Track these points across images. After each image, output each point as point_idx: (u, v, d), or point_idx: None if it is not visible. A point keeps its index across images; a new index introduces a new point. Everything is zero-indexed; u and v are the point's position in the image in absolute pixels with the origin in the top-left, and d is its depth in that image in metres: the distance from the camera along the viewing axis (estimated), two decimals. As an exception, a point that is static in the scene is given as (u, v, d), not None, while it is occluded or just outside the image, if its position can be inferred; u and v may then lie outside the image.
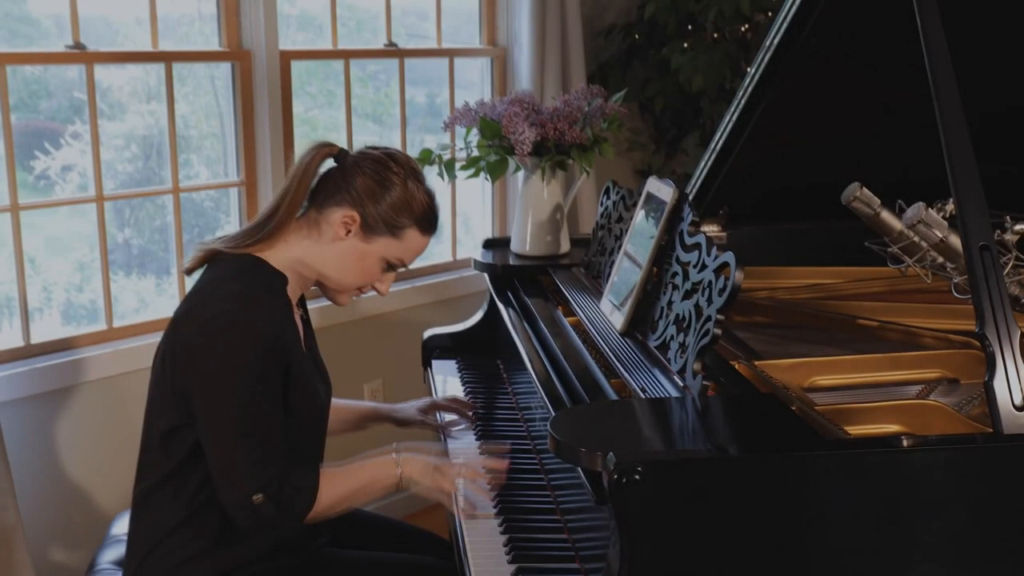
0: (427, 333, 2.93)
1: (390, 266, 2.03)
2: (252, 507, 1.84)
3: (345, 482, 1.97)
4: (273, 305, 1.91)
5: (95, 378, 2.97)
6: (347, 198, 1.96)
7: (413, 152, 3.19)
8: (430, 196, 2.03)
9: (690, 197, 2.61)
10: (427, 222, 2.02)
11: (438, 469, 2.00)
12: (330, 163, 2.01)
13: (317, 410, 2.03)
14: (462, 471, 2.00)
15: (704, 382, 1.74)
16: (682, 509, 1.47)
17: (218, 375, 1.84)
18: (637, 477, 1.43)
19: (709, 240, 1.90)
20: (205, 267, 2.00)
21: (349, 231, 1.96)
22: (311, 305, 3.41)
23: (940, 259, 2.09)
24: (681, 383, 1.79)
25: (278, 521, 1.89)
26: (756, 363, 2.01)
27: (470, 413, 2.48)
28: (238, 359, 1.83)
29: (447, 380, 2.77)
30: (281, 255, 1.98)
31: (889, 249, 2.14)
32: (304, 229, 1.99)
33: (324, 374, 2.13)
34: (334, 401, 2.37)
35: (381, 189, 1.96)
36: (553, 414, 1.92)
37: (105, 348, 3.01)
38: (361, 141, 3.80)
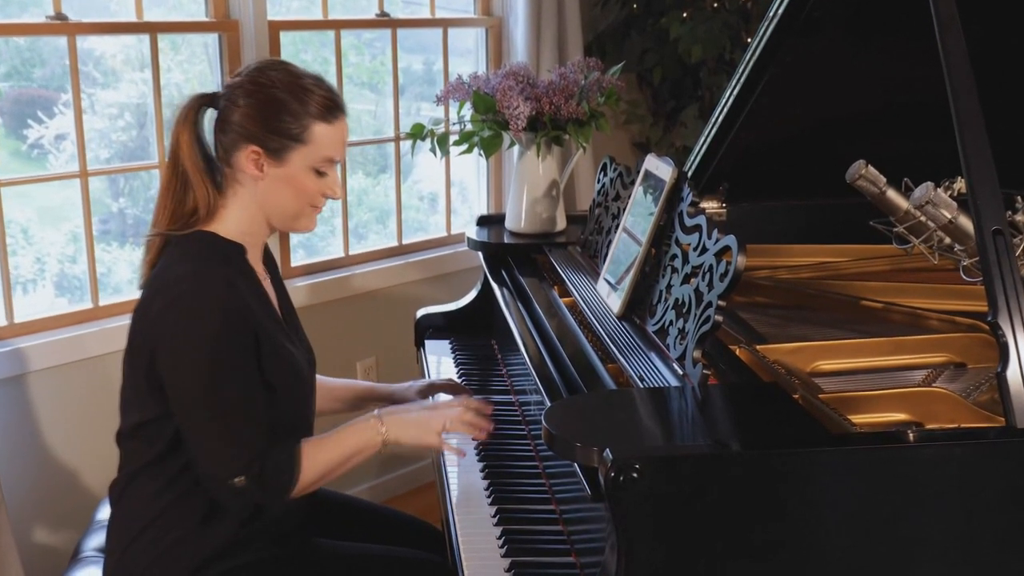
0: (420, 312, 2.86)
1: (322, 171, 1.91)
2: (235, 489, 1.79)
3: (328, 452, 1.90)
4: (230, 278, 1.83)
5: (81, 358, 2.91)
6: (239, 137, 1.86)
7: (406, 125, 3.12)
8: (316, 85, 1.89)
9: (689, 173, 2.55)
10: (326, 111, 1.89)
11: (421, 421, 1.96)
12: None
13: (298, 380, 1.96)
14: (448, 416, 1.96)
15: (704, 370, 1.67)
16: (682, 507, 1.41)
17: (182, 361, 1.78)
18: (635, 475, 1.37)
19: (710, 221, 1.83)
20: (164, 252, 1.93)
21: (261, 166, 1.87)
22: (301, 283, 3.40)
23: (947, 240, 2.03)
24: (680, 371, 1.73)
25: (263, 500, 1.84)
26: (758, 347, 1.95)
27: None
28: (200, 342, 1.77)
29: (440, 360, 2.71)
30: (226, 224, 1.91)
31: (895, 229, 2.08)
32: (230, 190, 1.91)
33: (304, 341, 2.06)
34: (328, 380, 2.32)
35: (262, 110, 1.85)
36: (547, 400, 1.86)
37: (91, 327, 2.95)
38: (357, 110, 3.72)
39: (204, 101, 1.91)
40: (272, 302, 1.96)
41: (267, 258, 2.06)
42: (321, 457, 1.89)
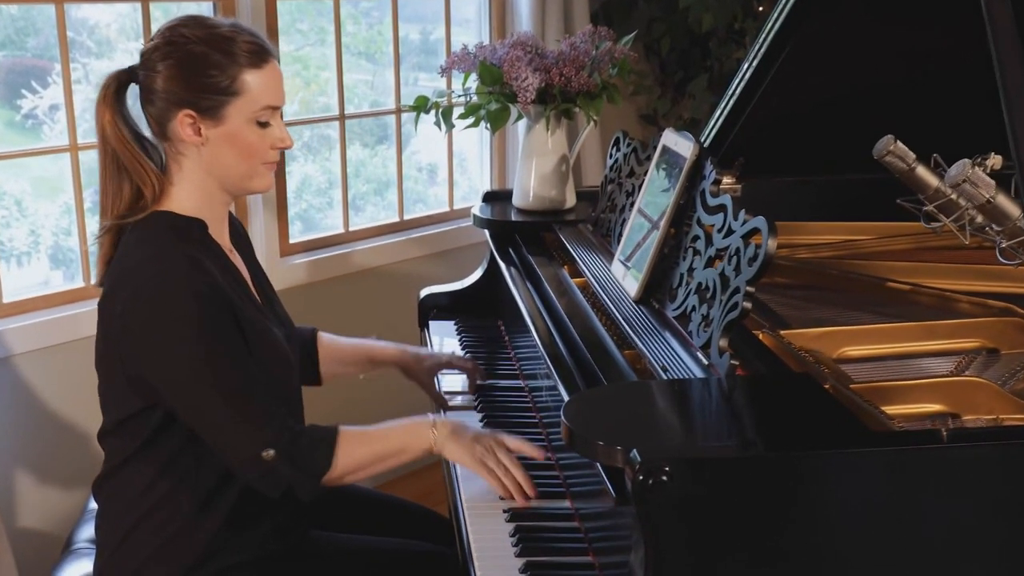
0: (423, 292, 2.77)
1: (263, 121, 1.78)
2: (264, 464, 1.69)
3: (370, 445, 1.81)
4: (193, 256, 1.72)
5: (73, 338, 2.82)
6: (168, 104, 1.74)
7: (409, 98, 3.00)
8: (236, 31, 1.76)
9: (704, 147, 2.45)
10: (253, 56, 1.76)
11: (479, 440, 1.84)
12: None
13: (279, 358, 1.84)
14: (500, 463, 1.83)
15: (731, 360, 1.57)
16: (714, 511, 1.32)
17: (169, 348, 1.68)
18: (665, 478, 1.27)
19: (735, 201, 1.73)
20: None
21: (199, 129, 1.75)
22: (299, 259, 3.30)
23: (979, 218, 1.93)
24: (705, 361, 1.63)
25: (294, 479, 1.73)
26: (782, 333, 1.86)
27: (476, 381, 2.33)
28: (181, 330, 1.67)
29: (444, 342, 2.62)
30: (180, 201, 1.80)
31: (924, 208, 1.98)
32: (175, 164, 1.80)
33: (282, 317, 1.96)
34: (340, 342, 2.23)
35: (184, 70, 1.73)
36: (560, 385, 1.77)
37: (83, 307, 2.85)
38: (354, 80, 3.62)
39: (123, 77, 1.79)
40: (243, 278, 1.86)
41: (235, 233, 1.96)
42: (361, 448, 1.79)
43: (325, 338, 2.21)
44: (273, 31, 3.19)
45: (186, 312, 1.67)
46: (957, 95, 2.32)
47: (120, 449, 1.82)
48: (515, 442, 1.87)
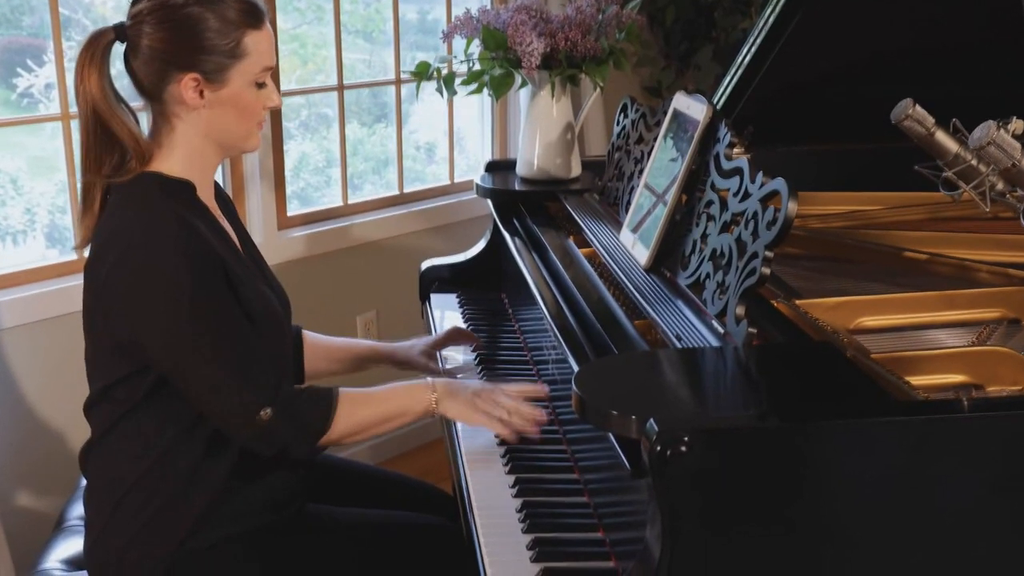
0: (424, 264, 2.71)
1: (261, 82, 1.75)
2: (260, 425, 1.66)
3: (370, 407, 1.78)
4: (182, 216, 1.67)
5: (65, 312, 2.76)
6: (167, 67, 1.69)
7: (409, 69, 2.93)
8: None
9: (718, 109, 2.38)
10: (251, 17, 1.71)
11: (478, 394, 1.82)
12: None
13: (272, 317, 1.79)
14: (504, 408, 1.81)
15: (748, 329, 1.51)
16: (734, 483, 1.26)
17: (159, 310, 1.63)
18: (683, 448, 1.21)
19: (752, 165, 1.67)
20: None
21: (202, 92, 1.70)
22: (297, 233, 3.24)
23: (1000, 185, 1.87)
24: (721, 329, 1.57)
25: (291, 438, 1.70)
26: (797, 303, 1.80)
27: (472, 350, 2.28)
28: (170, 292, 1.62)
29: (445, 315, 2.56)
30: (170, 163, 1.74)
31: (943, 174, 1.92)
32: (167, 126, 1.74)
33: (272, 282, 1.91)
34: (325, 339, 2.19)
35: (182, 33, 1.67)
36: (570, 357, 1.71)
37: (75, 280, 2.78)
38: (352, 59, 3.55)
39: (110, 36, 1.73)
40: (232, 240, 1.81)
41: (221, 198, 1.90)
42: (361, 410, 1.76)
43: (309, 336, 2.16)
44: (271, 8, 3.13)
45: (177, 273, 1.62)
46: (967, 65, 2.27)
47: (109, 416, 1.77)
48: (515, 387, 1.86)
